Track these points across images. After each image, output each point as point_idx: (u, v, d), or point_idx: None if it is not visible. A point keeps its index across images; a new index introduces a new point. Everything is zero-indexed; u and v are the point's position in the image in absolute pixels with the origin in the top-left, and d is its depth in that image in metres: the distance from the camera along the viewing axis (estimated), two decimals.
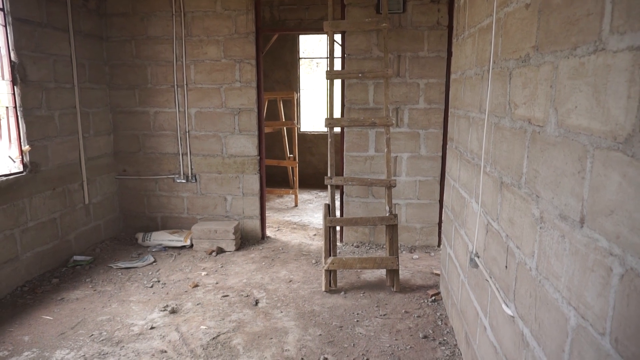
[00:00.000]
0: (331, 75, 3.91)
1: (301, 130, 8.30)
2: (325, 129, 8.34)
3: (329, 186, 3.84)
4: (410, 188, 4.68)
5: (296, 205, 6.64)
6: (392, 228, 3.75)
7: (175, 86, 4.80)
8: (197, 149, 4.91)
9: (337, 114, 6.45)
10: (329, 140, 3.86)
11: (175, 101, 4.83)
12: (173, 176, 4.98)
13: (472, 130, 2.61)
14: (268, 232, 5.27)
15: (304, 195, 7.33)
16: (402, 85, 4.50)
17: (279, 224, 5.66)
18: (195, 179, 4.96)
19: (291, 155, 6.97)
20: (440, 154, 4.59)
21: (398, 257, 3.70)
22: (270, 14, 7.60)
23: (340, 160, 4.77)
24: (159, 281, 3.89)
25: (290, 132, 7.62)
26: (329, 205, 3.83)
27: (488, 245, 2.19)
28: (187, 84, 4.79)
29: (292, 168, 6.91)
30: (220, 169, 4.90)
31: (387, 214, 3.77)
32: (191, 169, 4.95)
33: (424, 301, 3.53)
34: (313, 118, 10.11)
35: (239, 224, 4.83)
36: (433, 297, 3.56)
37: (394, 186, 3.78)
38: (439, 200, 4.69)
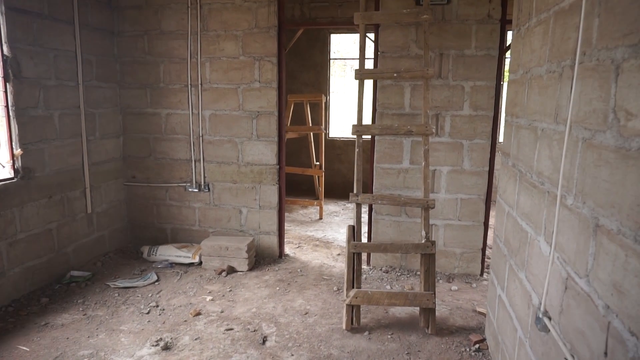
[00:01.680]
0: (361, 74, 3.35)
1: (330, 136, 7.76)
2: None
3: (354, 205, 3.27)
4: (450, 207, 4.04)
5: (321, 218, 6.09)
6: (428, 258, 3.14)
7: (189, 86, 4.35)
8: (211, 155, 4.44)
9: (367, 119, 5.90)
10: (356, 150, 3.30)
11: (189, 102, 4.38)
12: (184, 184, 4.54)
13: (542, 145, 1.99)
14: (287, 250, 4.74)
15: (330, 207, 6.77)
16: (444, 88, 3.88)
17: (300, 240, 5.12)
18: (208, 189, 4.50)
19: (317, 163, 6.43)
20: (486, 169, 3.93)
21: (435, 293, 3.08)
22: (300, 12, 7.11)
23: (369, 173, 4.18)
24: (157, 305, 3.42)
25: (317, 138, 7.09)
26: (353, 227, 3.26)
27: (568, 309, 1.57)
28: (201, 84, 4.33)
29: (318, 177, 6.37)
30: (236, 178, 4.42)
31: (423, 240, 3.16)
32: (204, 177, 4.48)
33: (465, 350, 2.90)
34: (343, 123, 9.56)
35: (253, 241, 4.32)
36: (477, 346, 2.92)
37: (432, 207, 3.16)
38: (484, 223, 4.03)
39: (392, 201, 3.24)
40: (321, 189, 6.13)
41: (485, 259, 4.19)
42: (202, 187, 4.49)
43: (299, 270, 4.20)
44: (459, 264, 4.12)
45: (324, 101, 6.23)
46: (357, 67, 3.42)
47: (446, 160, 3.98)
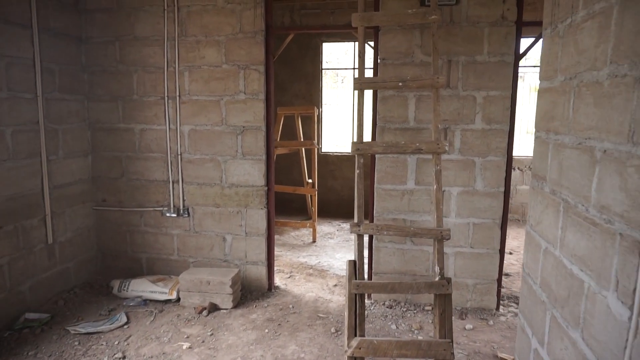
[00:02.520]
0: (361, 84, 2.89)
1: (323, 150, 7.30)
2: (350, 151, 7.33)
3: (355, 235, 2.78)
4: (461, 232, 3.58)
5: (314, 241, 5.59)
6: (444, 298, 2.66)
7: (166, 98, 3.87)
8: (191, 175, 3.94)
9: (366, 135, 5.45)
10: (356, 172, 2.83)
11: (166, 116, 3.89)
12: (161, 209, 4.03)
13: (605, 172, 1.53)
14: (277, 280, 4.23)
15: (324, 227, 6.28)
16: (453, 98, 3.44)
17: (291, 268, 4.62)
18: (188, 213, 3.99)
19: (310, 181, 5.95)
20: (502, 189, 3.49)
21: (452, 341, 2.59)
22: (290, 19, 6.70)
23: (369, 195, 3.71)
24: (124, 357, 2.89)
25: (309, 153, 6.62)
26: (354, 262, 2.77)
27: None
28: (179, 95, 3.85)
29: (311, 196, 5.89)
30: (219, 201, 3.92)
31: (437, 278, 2.68)
32: (183, 200, 3.98)
33: None
34: (337, 137, 9.11)
35: (239, 273, 3.81)
36: None
37: (448, 238, 2.70)
38: (500, 250, 3.56)
39: (399, 231, 2.76)
40: (314, 209, 5.64)
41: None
42: (181, 211, 3.98)
43: (290, 306, 3.69)
44: (472, 297, 3.65)
45: (316, 114, 5.78)
46: (356, 76, 2.97)
47: (456, 180, 3.53)
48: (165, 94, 3.87)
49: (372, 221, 3.71)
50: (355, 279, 2.70)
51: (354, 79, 2.95)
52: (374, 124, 3.61)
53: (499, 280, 3.62)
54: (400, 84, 2.87)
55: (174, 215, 4.01)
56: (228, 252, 3.98)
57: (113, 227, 4.16)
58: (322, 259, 4.93)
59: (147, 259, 4.15)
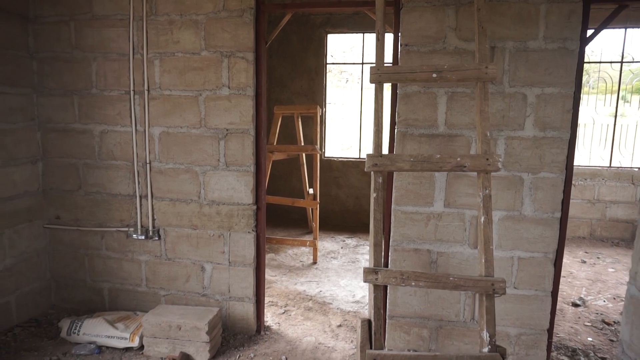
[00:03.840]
0: (380, 75, 2.12)
1: (326, 155, 6.52)
2: (357, 156, 6.56)
3: (370, 286, 2.00)
4: (503, 269, 2.79)
5: (315, 262, 4.82)
6: None
7: (132, 93, 3.10)
8: (162, 189, 3.17)
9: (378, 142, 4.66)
10: (373, 195, 2.05)
11: (132, 115, 3.13)
12: (126, 229, 3.26)
13: None
14: (268, 317, 3.46)
15: (326, 244, 5.50)
16: (496, 97, 2.66)
17: (287, 299, 3.84)
18: (159, 236, 3.22)
19: (311, 192, 5.17)
20: (558, 215, 2.70)
21: None
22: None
23: (385, 218, 2.93)
24: None
25: (310, 159, 5.86)
26: (369, 322, 2.00)
27: None
28: (148, 90, 3.08)
29: (312, 210, 5.12)
30: (196, 221, 3.15)
31: (485, 348, 1.91)
32: (153, 219, 3.21)
33: None
34: (341, 140, 8.32)
35: (219, 313, 3.04)
36: None
37: (501, 293, 1.92)
38: (552, 292, 2.78)
39: (433, 283, 1.98)
40: (315, 225, 4.86)
41: (553, 344, 2.94)
42: (151, 233, 3.21)
43: (283, 357, 2.91)
44: (514, 351, 2.86)
45: (319, 114, 5.00)
46: (374, 65, 2.19)
47: (498, 202, 2.75)
48: (131, 88, 3.10)
49: (386, 252, 2.93)
50: (371, 348, 1.92)
51: (371, 68, 2.17)
52: (392, 128, 2.83)
53: (550, 331, 2.83)
54: (434, 75, 2.09)
55: (142, 237, 3.24)
56: (207, 284, 3.21)
57: (69, 251, 3.40)
58: (323, 286, 4.15)
59: (109, 289, 3.38)
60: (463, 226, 2.80)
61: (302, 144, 5.36)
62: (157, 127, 3.12)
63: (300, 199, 5.97)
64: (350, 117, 7.67)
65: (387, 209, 2.92)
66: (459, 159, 1.99)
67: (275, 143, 5.04)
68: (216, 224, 3.12)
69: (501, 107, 2.66)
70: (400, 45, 2.74)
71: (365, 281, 1.96)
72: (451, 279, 1.95)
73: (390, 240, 2.91)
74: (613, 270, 4.75)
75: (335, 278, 4.38)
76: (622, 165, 6.04)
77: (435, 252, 2.86)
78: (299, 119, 5.20)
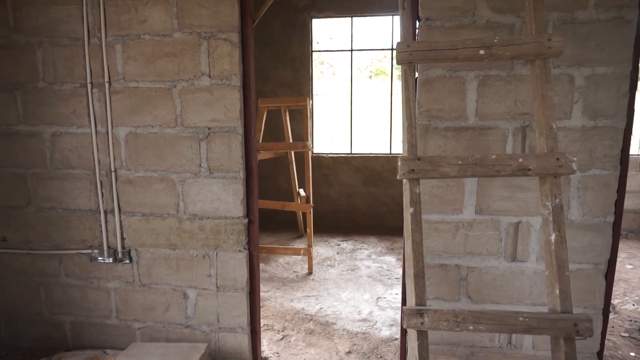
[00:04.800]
0: (411, 53, 1.63)
1: (314, 151, 6.01)
2: (348, 151, 6.08)
3: (412, 334, 1.51)
4: (544, 283, 2.37)
5: (310, 272, 4.33)
6: None
7: (89, 86, 2.53)
8: (132, 203, 2.62)
9: (388, 137, 4.17)
10: (410, 210, 1.57)
11: (90, 113, 2.55)
12: (90, 251, 2.69)
13: None
14: (265, 347, 2.95)
15: (320, 249, 5.01)
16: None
17: (284, 321, 3.34)
18: (130, 258, 2.67)
19: (303, 194, 4.67)
20: (610, 219, 2.27)
21: None
22: None
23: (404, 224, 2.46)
24: None
25: (300, 157, 5.35)
26: None
27: None
28: (109, 81, 2.51)
29: (305, 214, 4.62)
30: (175, 240, 2.61)
31: None
32: (122, 239, 2.66)
33: None
34: (330, 134, 7.80)
35: (207, 350, 2.52)
36: None
37: (589, 335, 1.47)
38: (603, 311, 2.36)
39: (498, 325, 1.51)
40: (309, 232, 4.36)
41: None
42: (120, 255, 2.66)
43: None
44: None
45: (309, 107, 4.49)
46: (401, 41, 1.69)
47: (538, 206, 2.31)
48: (88, 80, 2.52)
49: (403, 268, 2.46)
50: None
51: (399, 45, 1.67)
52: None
53: (600, 354, 2.42)
54: (481, 51, 1.61)
55: (110, 260, 2.68)
56: (191, 313, 2.68)
57: (20, 279, 2.81)
58: (324, 302, 3.66)
59: (72, 323, 2.81)
60: (498, 236, 2.36)
61: (291, 140, 4.84)
62: (123, 127, 2.55)
63: (289, 201, 5.46)
64: (339, 109, 7.17)
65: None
66: (520, 160, 1.53)
67: (260, 140, 4.51)
68: (200, 242, 2.59)
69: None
70: (420, 20, 2.25)
71: (407, 327, 1.48)
72: (521, 319, 1.49)
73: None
74: (631, 266, 4.43)
75: (336, 291, 3.90)
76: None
77: (465, 267, 2.41)
78: (287, 113, 4.67)
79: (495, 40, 1.61)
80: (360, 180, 5.91)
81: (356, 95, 5.67)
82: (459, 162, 1.56)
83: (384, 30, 6.70)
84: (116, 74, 2.51)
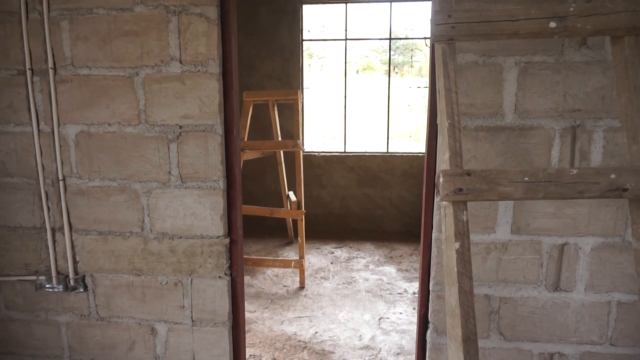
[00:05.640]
0: (454, 26, 1.17)
1: (305, 150, 5.54)
2: (342, 150, 5.63)
3: None
4: (594, 318, 1.95)
5: (302, 287, 3.86)
6: None
7: (29, 73, 2.01)
8: (87, 218, 2.12)
9: (397, 137, 3.72)
10: (455, 245, 1.11)
11: (31, 108, 2.04)
12: (35, 278, 2.19)
13: None
14: None
15: (313, 258, 4.56)
16: (593, 68, 1.76)
17: (273, 350, 2.87)
18: (85, 286, 2.17)
19: (293, 198, 4.20)
20: None
21: None
22: None
23: (423, 251, 2.01)
24: None
25: (290, 157, 4.88)
26: None
27: None
28: (54, 67, 2.00)
29: (296, 221, 4.15)
30: (141, 264, 2.12)
31: None
32: (74, 262, 2.16)
33: None
34: (322, 131, 7.33)
35: None
36: None
37: None
38: None
39: None
40: (301, 241, 3.89)
41: None
42: (72, 282, 2.16)
43: None
44: None
45: (300, 101, 4.02)
46: (439, 10, 1.23)
47: (590, 225, 1.87)
48: (27, 65, 2.01)
49: (424, 300, 2.02)
50: None
51: (435, 15, 1.23)
52: (432, 119, 1.90)
53: None
54: (552, 24, 1.19)
55: (60, 288, 2.18)
56: (161, 353, 2.20)
57: None
58: (319, 324, 3.21)
59: None
60: (539, 260, 1.92)
61: (280, 138, 4.36)
62: (72, 126, 2.05)
63: (278, 205, 5.00)
64: (331, 103, 6.69)
65: (424, 234, 2.01)
66: (613, 176, 1.08)
67: (245, 139, 4.02)
68: (170, 266, 2.11)
69: (600, 83, 1.77)
70: None
71: None
72: None
73: (431, 282, 2.00)
74: None
75: (332, 310, 3.45)
76: None
77: (497, 298, 1.97)
78: (275, 108, 4.19)
79: (571, 9, 1.16)
80: (354, 181, 5.46)
81: (348, 89, 5.20)
82: (526, 178, 1.10)
83: (380, 20, 6.22)
84: (63, 59, 2.00)
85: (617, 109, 1.78)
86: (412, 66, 11.11)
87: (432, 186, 1.94)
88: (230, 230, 2.07)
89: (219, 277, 2.09)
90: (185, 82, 1.94)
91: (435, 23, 1.21)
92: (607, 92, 1.77)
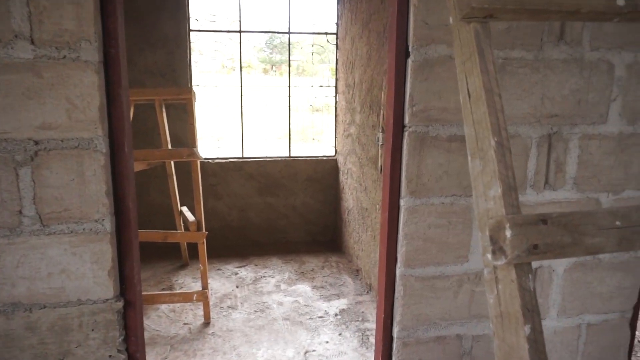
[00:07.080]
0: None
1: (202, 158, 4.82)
2: (239, 155, 5.07)
3: None
4: (565, 344, 1.76)
5: (207, 323, 3.24)
6: None
7: None
8: None
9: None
10: (525, 330, 0.71)
11: None
12: None
13: None
14: None
15: (215, 283, 3.94)
16: (570, 67, 1.54)
17: None
18: None
19: (190, 216, 3.53)
20: None
21: None
22: None
23: (384, 289, 1.62)
24: None
25: (184, 167, 4.17)
26: None
27: None
28: None
29: (196, 244, 3.49)
30: None
31: None
32: None
33: None
34: (215, 134, 6.57)
35: None
36: None
37: None
38: None
39: None
40: (204, 269, 3.26)
41: None
42: None
43: None
44: None
45: (194, 101, 3.37)
46: None
47: None
48: None
49: (387, 351, 1.63)
50: None
51: None
52: (397, 126, 1.51)
53: None
54: (619, 2, 0.83)
55: None
56: None
57: None
58: None
59: None
60: None
61: (169, 145, 3.64)
62: None
63: (167, 224, 4.25)
64: (226, 103, 6.01)
65: (387, 271, 1.62)
66: None
67: None
68: (28, 352, 1.40)
69: (577, 85, 1.56)
70: None
71: None
72: None
73: (395, 328, 1.62)
74: None
75: (247, 348, 2.91)
76: None
77: (470, 337, 1.67)
78: (163, 109, 3.47)
79: None
80: (254, 189, 4.93)
81: (233, 89, 4.68)
82: (617, 222, 0.76)
83: (275, 11, 5.73)
84: None
85: (591, 113, 1.59)
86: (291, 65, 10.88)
87: (395, 209, 1.56)
88: (124, 289, 1.45)
89: (110, 356, 1.45)
90: (42, 75, 1.27)
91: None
92: (583, 95, 1.56)
